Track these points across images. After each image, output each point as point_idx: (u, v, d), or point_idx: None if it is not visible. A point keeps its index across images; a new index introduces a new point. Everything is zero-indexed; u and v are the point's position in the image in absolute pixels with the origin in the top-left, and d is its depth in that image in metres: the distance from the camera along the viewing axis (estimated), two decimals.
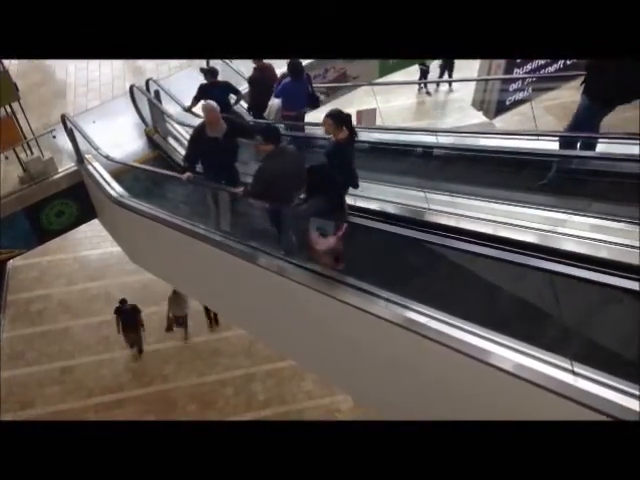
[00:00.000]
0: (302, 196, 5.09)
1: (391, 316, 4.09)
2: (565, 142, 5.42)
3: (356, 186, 5.04)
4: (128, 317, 10.20)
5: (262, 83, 8.07)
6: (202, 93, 8.06)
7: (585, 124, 5.15)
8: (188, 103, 9.21)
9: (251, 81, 8.34)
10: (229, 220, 6.58)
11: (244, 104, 8.91)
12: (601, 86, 4.92)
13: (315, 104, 7.89)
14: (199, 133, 6.09)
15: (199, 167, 6.43)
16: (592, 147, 5.18)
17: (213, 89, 7.98)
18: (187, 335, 10.89)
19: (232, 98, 8.26)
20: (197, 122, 9.02)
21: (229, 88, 8.25)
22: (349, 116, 4.92)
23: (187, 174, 6.13)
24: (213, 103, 6.03)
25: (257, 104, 8.38)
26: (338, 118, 4.85)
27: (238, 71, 9.67)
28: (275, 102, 8.02)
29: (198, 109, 8.10)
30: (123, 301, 10.12)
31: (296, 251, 5.19)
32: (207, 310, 10.81)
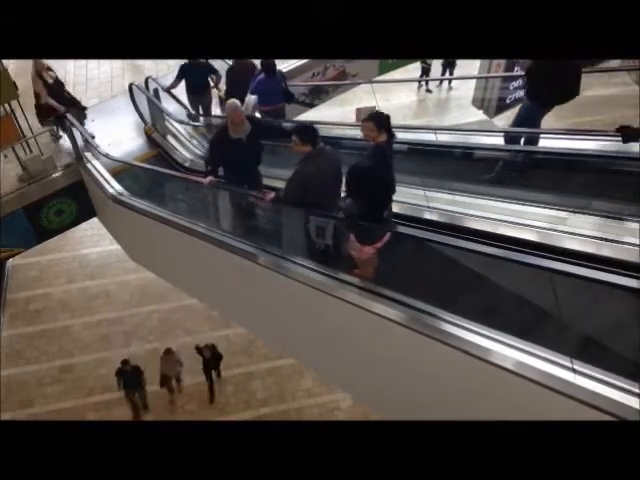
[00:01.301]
0: (343, 199, 4.66)
1: (393, 315, 4.10)
2: (510, 138, 5.87)
3: (394, 191, 4.65)
4: (130, 379, 9.52)
5: (239, 74, 8.20)
6: (182, 73, 8.37)
7: (527, 122, 5.72)
8: (187, 101, 9.27)
9: (229, 70, 8.46)
10: (245, 223, 6.32)
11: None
12: (540, 89, 5.51)
13: (290, 100, 8.15)
14: (221, 134, 5.73)
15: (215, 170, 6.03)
16: (535, 142, 5.69)
17: (193, 69, 8.25)
18: (180, 387, 10.26)
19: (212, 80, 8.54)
20: (197, 120, 9.18)
21: (209, 68, 8.48)
22: (389, 118, 4.62)
23: (209, 178, 5.80)
24: (237, 102, 5.64)
25: (232, 95, 8.51)
26: (380, 121, 4.55)
27: None
28: (251, 98, 8.19)
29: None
30: (125, 362, 9.54)
31: (330, 260, 4.85)
32: (210, 384, 10.15)
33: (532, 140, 5.69)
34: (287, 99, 8.16)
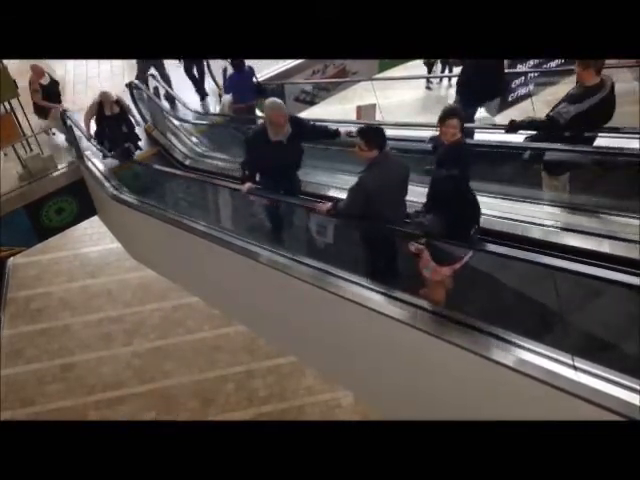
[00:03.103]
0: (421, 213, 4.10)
1: (393, 312, 4.09)
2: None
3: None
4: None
5: None
6: None
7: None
8: (186, 100, 9.28)
9: None
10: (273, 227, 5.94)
11: None
12: (471, 87, 6.03)
13: (263, 94, 8.15)
14: (259, 136, 5.20)
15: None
16: (470, 135, 5.88)
17: None
18: None
19: None
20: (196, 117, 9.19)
21: None
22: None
23: (247, 185, 5.30)
24: (279, 101, 5.21)
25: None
26: (462, 117, 4.11)
27: None
28: (226, 97, 8.49)
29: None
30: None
31: (392, 277, 4.48)
32: None
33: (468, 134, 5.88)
34: (260, 94, 8.21)
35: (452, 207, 3.79)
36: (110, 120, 7.96)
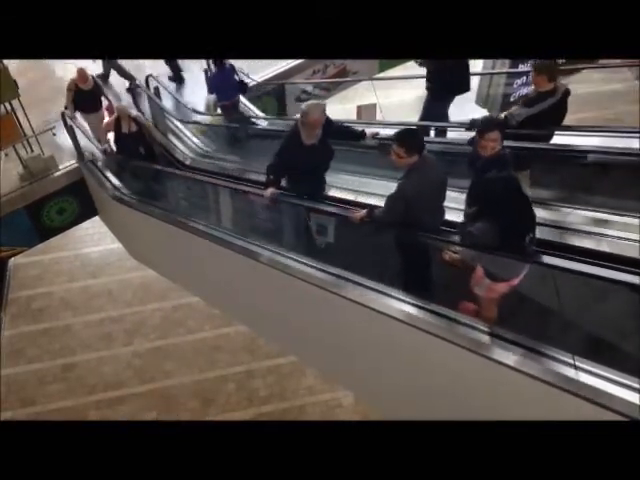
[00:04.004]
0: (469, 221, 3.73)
1: (395, 312, 4.08)
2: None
3: None
4: None
5: None
6: None
7: (432, 114, 6.48)
8: (186, 99, 9.30)
9: None
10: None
11: None
12: (438, 85, 6.34)
13: (244, 89, 8.47)
14: (293, 140, 4.96)
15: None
16: (444, 133, 6.38)
17: None
18: None
19: None
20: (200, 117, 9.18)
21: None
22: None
23: (270, 190, 5.04)
24: (322, 103, 5.03)
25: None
26: (502, 128, 3.92)
27: (238, 68, 9.64)
28: (210, 97, 8.84)
29: None
30: None
31: (427, 286, 4.26)
32: None
33: (442, 132, 6.43)
34: (242, 90, 8.45)
35: (504, 212, 3.43)
36: (127, 139, 7.59)
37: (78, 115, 8.16)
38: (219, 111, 8.99)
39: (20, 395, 9.84)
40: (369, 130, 5.38)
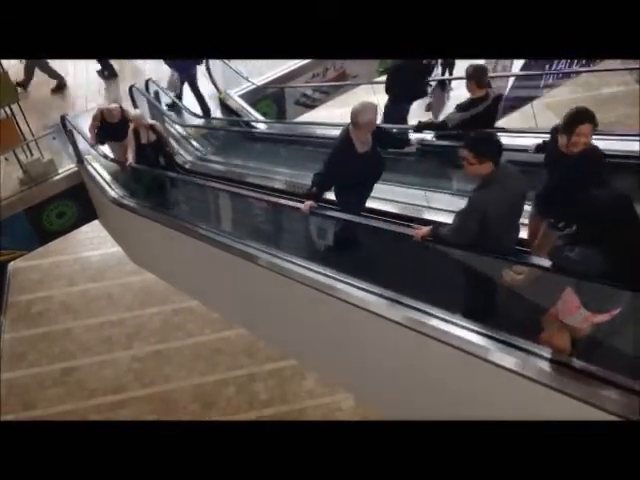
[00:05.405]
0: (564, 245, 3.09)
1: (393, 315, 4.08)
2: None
3: None
4: None
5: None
6: None
7: (392, 117, 6.84)
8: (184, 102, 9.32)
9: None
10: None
11: None
12: (398, 88, 6.79)
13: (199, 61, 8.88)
14: (346, 148, 4.46)
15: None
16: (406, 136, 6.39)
17: None
18: None
19: None
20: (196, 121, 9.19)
21: None
22: None
23: (309, 203, 4.55)
24: (373, 102, 4.52)
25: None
26: (596, 121, 3.47)
27: (237, 71, 9.69)
28: (174, 74, 9.15)
29: None
30: None
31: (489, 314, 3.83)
32: None
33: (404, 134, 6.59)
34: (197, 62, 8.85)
35: (612, 237, 2.89)
36: (146, 149, 7.24)
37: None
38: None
39: (21, 399, 9.80)
40: (414, 136, 5.40)
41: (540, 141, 4.41)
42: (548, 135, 4.10)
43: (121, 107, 7.52)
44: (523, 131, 5.63)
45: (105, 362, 10.45)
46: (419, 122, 5.68)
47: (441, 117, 5.91)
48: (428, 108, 10.56)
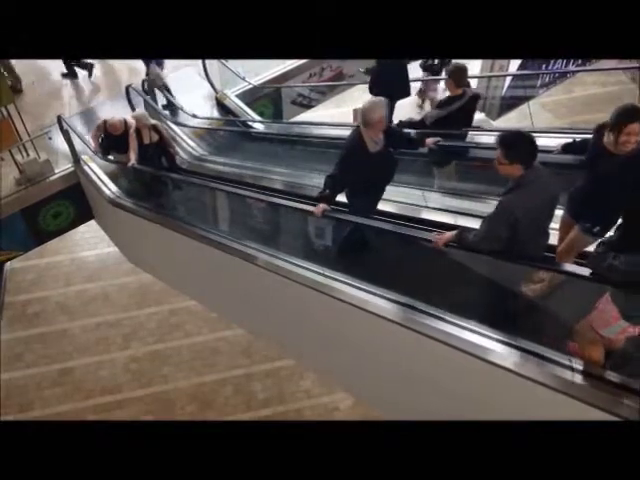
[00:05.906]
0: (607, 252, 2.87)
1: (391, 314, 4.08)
2: None
3: None
4: None
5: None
6: None
7: None
8: (181, 102, 9.32)
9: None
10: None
11: None
12: (381, 88, 6.85)
13: None
14: (357, 148, 4.37)
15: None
16: None
17: None
18: None
19: None
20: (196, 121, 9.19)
21: None
22: None
23: (322, 206, 4.39)
24: (382, 99, 4.42)
25: None
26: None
27: (235, 72, 9.69)
28: (156, 67, 9.10)
29: None
30: None
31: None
32: None
33: None
34: None
35: None
36: (148, 150, 7.19)
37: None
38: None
39: (18, 400, 9.78)
40: (430, 138, 5.05)
41: (564, 141, 4.29)
42: (574, 135, 4.15)
43: (125, 120, 7.33)
44: (548, 131, 5.64)
45: (102, 362, 10.43)
46: (400, 121, 5.77)
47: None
48: (421, 94, 11.06)
